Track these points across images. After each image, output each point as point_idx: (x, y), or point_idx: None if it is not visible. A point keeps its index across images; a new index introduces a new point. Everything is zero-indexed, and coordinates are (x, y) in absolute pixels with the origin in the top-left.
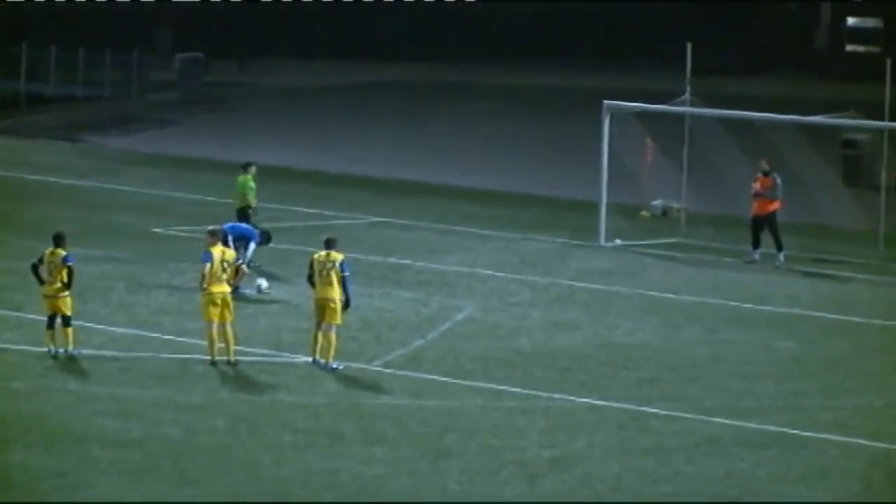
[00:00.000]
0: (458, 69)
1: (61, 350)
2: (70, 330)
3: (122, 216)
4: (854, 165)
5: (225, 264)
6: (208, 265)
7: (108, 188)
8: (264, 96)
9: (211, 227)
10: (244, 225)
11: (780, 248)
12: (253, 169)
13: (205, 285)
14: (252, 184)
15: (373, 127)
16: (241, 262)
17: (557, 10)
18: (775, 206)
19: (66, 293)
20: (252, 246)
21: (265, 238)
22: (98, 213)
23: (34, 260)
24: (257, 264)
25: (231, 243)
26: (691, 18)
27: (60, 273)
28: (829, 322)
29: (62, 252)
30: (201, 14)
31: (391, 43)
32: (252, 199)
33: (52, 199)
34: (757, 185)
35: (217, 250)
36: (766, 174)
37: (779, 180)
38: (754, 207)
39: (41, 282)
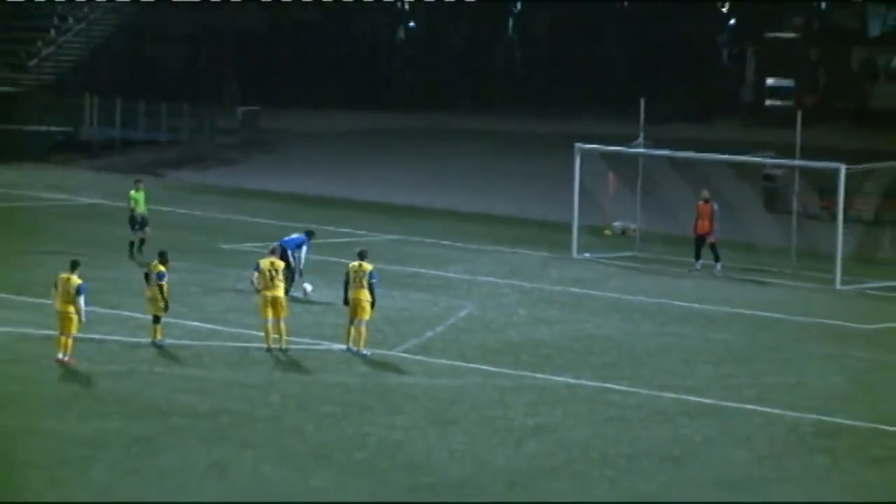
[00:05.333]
0: (457, 117)
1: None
2: (159, 327)
3: (195, 235)
4: (773, 195)
5: (273, 272)
6: (255, 273)
7: (182, 213)
8: (304, 140)
9: (272, 245)
10: (294, 236)
11: (717, 259)
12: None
13: (259, 288)
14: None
15: (392, 164)
16: (299, 273)
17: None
18: (714, 226)
19: (162, 303)
20: (304, 249)
21: (311, 236)
22: (175, 232)
23: (144, 271)
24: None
25: (290, 255)
26: (646, 75)
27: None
28: (755, 318)
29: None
30: (255, 69)
31: (402, 95)
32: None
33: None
34: (699, 210)
35: (266, 261)
36: (706, 201)
37: (716, 206)
38: (697, 228)
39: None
